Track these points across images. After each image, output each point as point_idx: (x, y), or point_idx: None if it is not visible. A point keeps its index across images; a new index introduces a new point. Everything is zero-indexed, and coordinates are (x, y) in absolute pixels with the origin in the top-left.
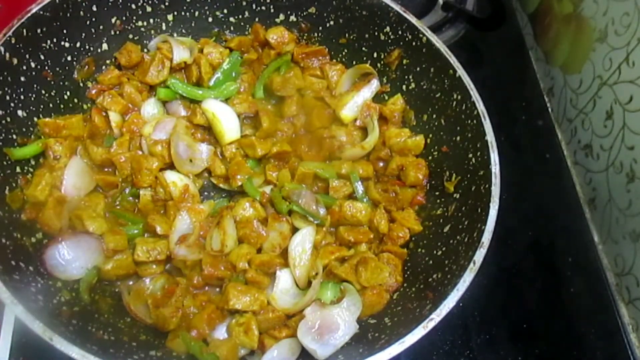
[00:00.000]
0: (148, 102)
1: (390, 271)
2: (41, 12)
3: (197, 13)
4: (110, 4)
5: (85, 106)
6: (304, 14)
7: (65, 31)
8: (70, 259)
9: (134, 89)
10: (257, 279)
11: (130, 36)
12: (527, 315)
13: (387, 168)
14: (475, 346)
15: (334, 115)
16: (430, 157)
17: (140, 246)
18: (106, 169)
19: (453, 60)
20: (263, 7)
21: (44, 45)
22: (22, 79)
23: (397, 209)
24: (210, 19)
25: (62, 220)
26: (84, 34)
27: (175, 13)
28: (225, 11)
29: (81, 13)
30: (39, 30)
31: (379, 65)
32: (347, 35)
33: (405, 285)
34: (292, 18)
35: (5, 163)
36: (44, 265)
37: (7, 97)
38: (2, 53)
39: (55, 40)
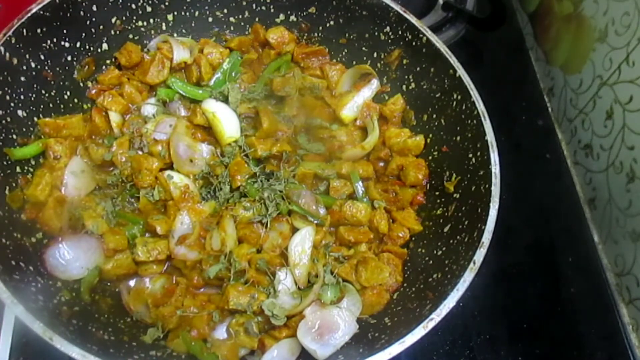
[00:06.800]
0: (148, 102)
1: (390, 271)
2: (41, 12)
3: (197, 13)
4: (110, 4)
5: (85, 106)
6: (304, 14)
7: (65, 31)
8: (71, 259)
9: (134, 89)
10: (257, 279)
11: (131, 36)
12: (527, 315)
13: (387, 168)
14: (475, 346)
15: (334, 115)
16: (430, 157)
17: (140, 246)
18: (106, 169)
19: (453, 60)
20: (263, 7)
21: (44, 45)
22: (22, 79)
23: (397, 209)
24: (210, 19)
25: (62, 220)
26: (84, 34)
27: (175, 13)
28: (225, 11)
29: (81, 13)
30: (39, 30)
31: (379, 65)
32: (347, 35)
33: (405, 285)
34: (292, 18)
35: (5, 163)
36: (44, 265)
37: (7, 97)
38: (2, 53)
39: (55, 40)
